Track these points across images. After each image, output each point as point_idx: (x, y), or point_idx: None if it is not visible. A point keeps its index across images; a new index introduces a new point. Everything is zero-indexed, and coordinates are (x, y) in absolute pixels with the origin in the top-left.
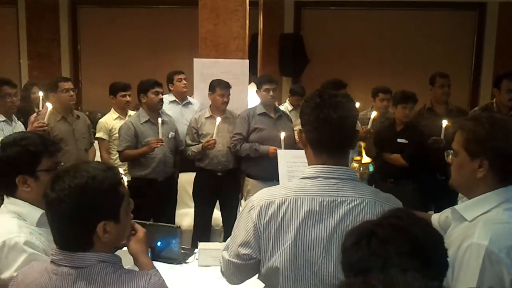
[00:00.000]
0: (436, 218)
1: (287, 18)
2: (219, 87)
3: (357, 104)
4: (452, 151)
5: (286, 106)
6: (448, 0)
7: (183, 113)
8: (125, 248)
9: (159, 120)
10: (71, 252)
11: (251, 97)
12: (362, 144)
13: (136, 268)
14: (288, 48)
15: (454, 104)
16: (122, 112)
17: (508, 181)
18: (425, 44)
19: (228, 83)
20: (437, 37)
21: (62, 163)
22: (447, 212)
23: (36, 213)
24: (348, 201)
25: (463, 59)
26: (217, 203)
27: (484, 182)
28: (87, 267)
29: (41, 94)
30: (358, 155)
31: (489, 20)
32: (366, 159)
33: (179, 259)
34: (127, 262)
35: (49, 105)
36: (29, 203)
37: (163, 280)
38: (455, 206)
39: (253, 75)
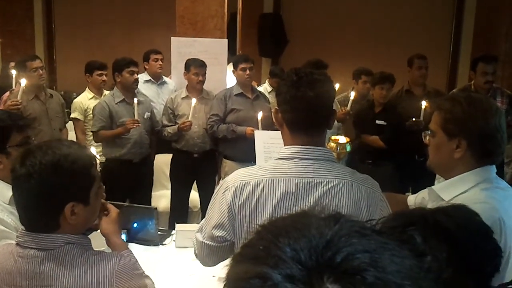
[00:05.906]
0: (412, 200)
1: None
2: (193, 66)
3: (337, 86)
4: (429, 132)
5: (265, 87)
6: None
7: (159, 93)
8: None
9: (135, 100)
10: (37, 234)
11: (230, 78)
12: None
13: (110, 250)
14: (268, 29)
15: (432, 86)
16: (98, 92)
17: (485, 161)
18: (404, 26)
19: (203, 61)
20: (416, 19)
21: (34, 139)
22: (423, 193)
23: (8, 190)
24: (325, 182)
25: (441, 41)
26: (195, 184)
27: (461, 163)
28: (54, 249)
29: (14, 72)
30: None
31: (468, 3)
32: (343, 139)
33: (155, 240)
34: (101, 244)
35: (23, 82)
36: (2, 180)
37: (135, 261)
38: (432, 187)
39: (232, 55)
